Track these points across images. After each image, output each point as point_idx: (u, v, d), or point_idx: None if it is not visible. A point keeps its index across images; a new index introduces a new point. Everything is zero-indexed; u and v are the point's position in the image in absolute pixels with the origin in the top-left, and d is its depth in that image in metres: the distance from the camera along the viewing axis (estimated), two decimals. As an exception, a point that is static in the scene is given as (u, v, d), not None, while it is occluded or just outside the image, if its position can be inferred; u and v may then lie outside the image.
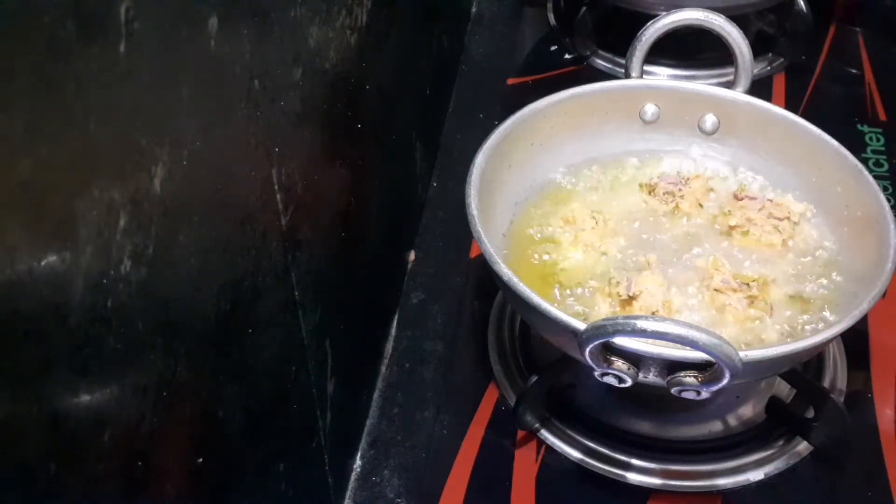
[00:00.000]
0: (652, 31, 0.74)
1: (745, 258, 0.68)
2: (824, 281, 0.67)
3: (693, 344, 0.50)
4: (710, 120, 0.76)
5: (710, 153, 0.76)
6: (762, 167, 0.75)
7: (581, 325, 0.54)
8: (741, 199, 0.71)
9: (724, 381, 0.52)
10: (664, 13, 0.74)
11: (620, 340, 0.53)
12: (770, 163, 0.75)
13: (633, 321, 0.51)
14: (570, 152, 0.75)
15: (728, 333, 0.62)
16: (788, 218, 0.69)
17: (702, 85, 0.77)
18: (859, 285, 0.63)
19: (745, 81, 0.74)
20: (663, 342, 0.52)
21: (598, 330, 0.52)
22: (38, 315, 0.29)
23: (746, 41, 0.73)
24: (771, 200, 0.71)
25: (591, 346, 0.53)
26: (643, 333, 0.51)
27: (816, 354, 0.71)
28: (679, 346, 0.51)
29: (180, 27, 0.36)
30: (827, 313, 0.64)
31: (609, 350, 0.55)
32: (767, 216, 0.69)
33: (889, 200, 0.66)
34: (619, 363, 0.55)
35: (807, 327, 0.64)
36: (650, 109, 0.76)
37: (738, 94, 0.74)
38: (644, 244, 0.69)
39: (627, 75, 0.76)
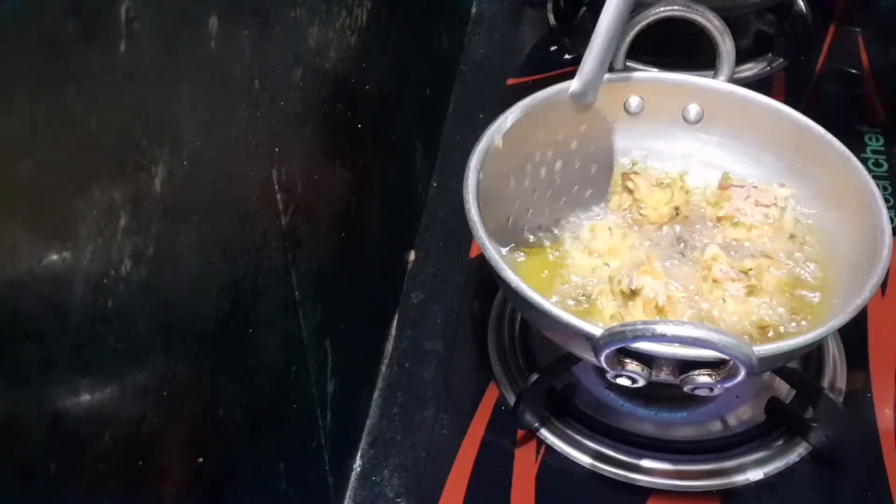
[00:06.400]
0: (633, 24, 0.74)
1: (739, 247, 0.68)
2: (819, 265, 0.67)
3: (712, 346, 0.50)
4: (693, 110, 0.76)
5: (695, 143, 0.77)
6: (748, 155, 0.75)
7: (597, 331, 0.54)
8: (727, 189, 0.71)
9: (740, 378, 0.53)
10: (647, 7, 0.74)
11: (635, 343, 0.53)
12: (756, 151, 0.75)
13: (651, 326, 0.51)
14: (560, 149, 0.75)
15: (730, 324, 0.63)
16: (775, 204, 0.69)
17: (684, 75, 0.77)
18: (855, 269, 0.63)
19: (727, 70, 0.74)
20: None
21: (616, 336, 0.52)
22: (38, 315, 0.29)
23: (727, 30, 0.73)
24: (756, 187, 0.71)
25: (607, 350, 0.53)
26: (662, 338, 0.51)
27: (817, 353, 0.71)
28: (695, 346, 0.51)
29: (180, 27, 0.36)
30: (826, 297, 0.65)
31: (622, 352, 0.55)
32: (755, 204, 0.69)
33: (888, 201, 0.66)
34: (633, 365, 0.55)
35: (807, 313, 0.64)
36: (634, 101, 0.75)
37: (720, 83, 0.75)
38: (639, 243, 0.69)
39: (611, 69, 0.76)
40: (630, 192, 0.71)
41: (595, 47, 0.66)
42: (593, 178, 0.75)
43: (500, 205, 0.69)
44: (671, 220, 0.70)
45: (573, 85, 0.69)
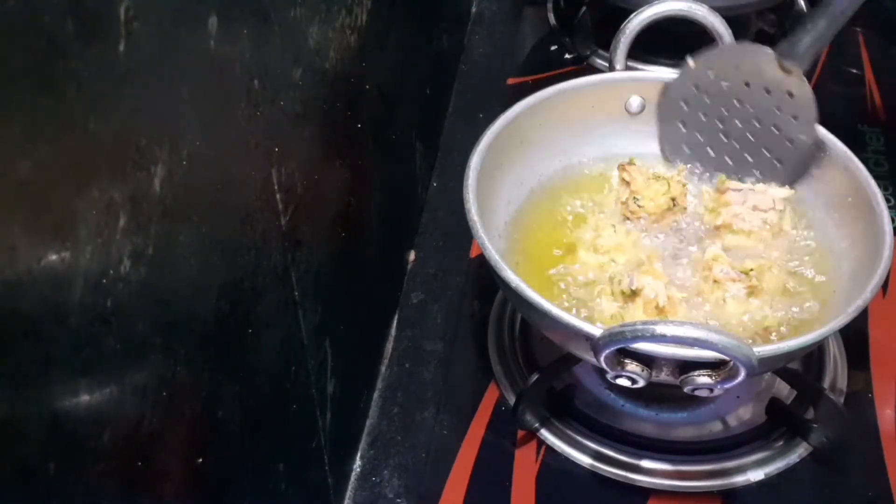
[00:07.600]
0: (635, 23, 0.73)
1: (739, 252, 0.68)
2: (820, 266, 0.67)
3: (712, 346, 0.50)
4: None
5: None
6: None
7: (596, 331, 0.54)
8: (724, 192, 0.71)
9: (740, 379, 0.53)
10: (647, 5, 0.74)
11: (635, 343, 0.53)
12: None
13: (651, 326, 0.51)
14: (560, 149, 0.74)
15: (731, 325, 0.63)
16: (773, 208, 0.69)
17: None
18: (856, 269, 0.63)
19: None
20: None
21: (616, 336, 0.52)
22: (38, 315, 0.29)
23: (729, 30, 0.73)
24: (753, 190, 0.71)
25: (607, 351, 0.53)
26: (662, 338, 0.51)
27: (818, 354, 0.71)
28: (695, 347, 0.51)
29: (180, 27, 0.36)
30: (827, 298, 0.64)
31: (622, 352, 0.55)
32: (752, 209, 0.69)
33: (889, 200, 0.66)
34: (633, 365, 0.55)
35: (807, 314, 0.64)
36: (635, 101, 0.75)
37: None
38: (641, 241, 0.69)
39: (612, 68, 0.76)
40: (627, 184, 0.71)
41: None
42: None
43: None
44: (668, 210, 0.70)
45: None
